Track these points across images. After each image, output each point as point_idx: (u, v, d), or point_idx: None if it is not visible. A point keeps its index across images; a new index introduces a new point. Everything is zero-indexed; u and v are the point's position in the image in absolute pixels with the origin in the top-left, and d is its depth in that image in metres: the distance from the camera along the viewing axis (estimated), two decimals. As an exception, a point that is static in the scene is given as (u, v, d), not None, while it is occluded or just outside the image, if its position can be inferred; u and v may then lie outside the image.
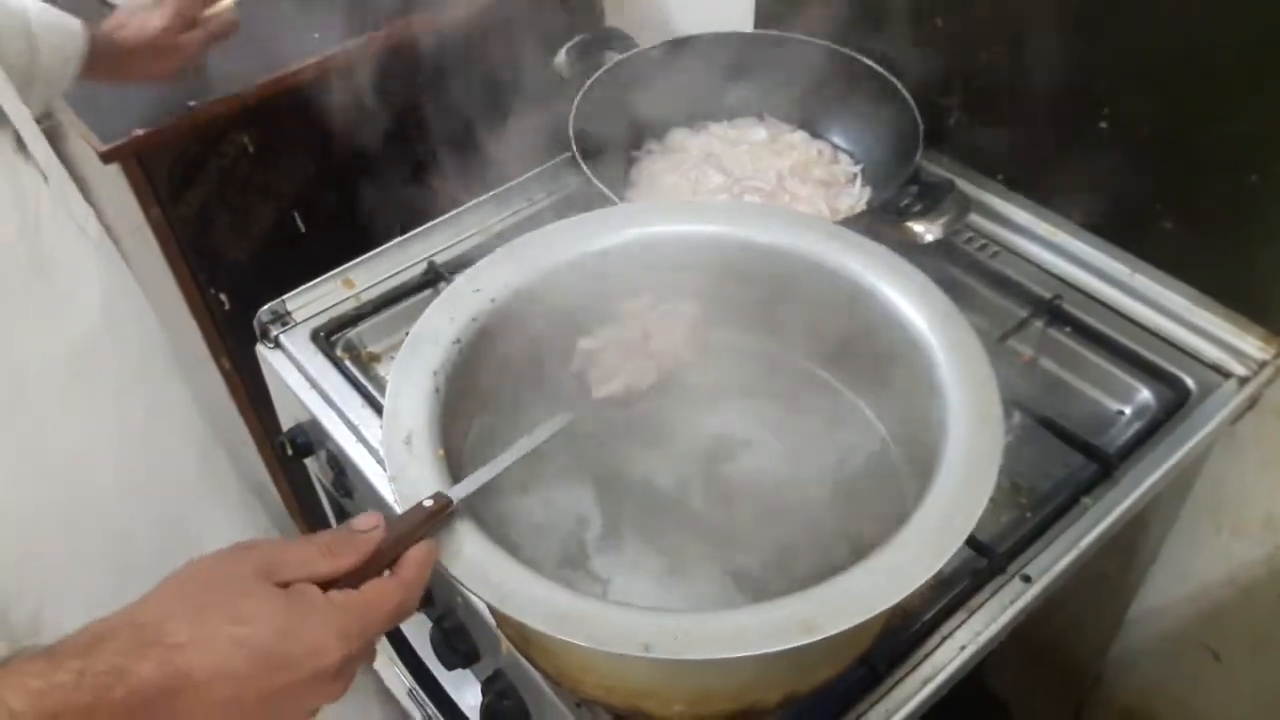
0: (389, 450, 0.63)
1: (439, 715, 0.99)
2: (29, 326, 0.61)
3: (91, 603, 0.68)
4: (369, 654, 0.55)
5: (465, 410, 0.70)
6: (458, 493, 0.60)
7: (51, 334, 0.63)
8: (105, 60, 1.00)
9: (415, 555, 0.57)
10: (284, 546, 0.54)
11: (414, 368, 0.68)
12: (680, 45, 1.12)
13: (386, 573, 0.57)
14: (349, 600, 0.53)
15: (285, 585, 0.53)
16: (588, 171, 0.96)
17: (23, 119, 0.62)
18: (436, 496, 0.60)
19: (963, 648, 0.75)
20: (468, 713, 0.96)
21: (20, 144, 0.61)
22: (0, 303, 0.59)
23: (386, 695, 0.95)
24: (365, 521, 0.56)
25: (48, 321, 0.63)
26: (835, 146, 1.13)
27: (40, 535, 0.64)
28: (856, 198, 1.07)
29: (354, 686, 0.80)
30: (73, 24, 0.98)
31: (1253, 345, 0.93)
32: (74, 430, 0.65)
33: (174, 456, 0.73)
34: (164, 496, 0.74)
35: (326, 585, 0.54)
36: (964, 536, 0.58)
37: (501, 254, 0.76)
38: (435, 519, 0.59)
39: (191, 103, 1.18)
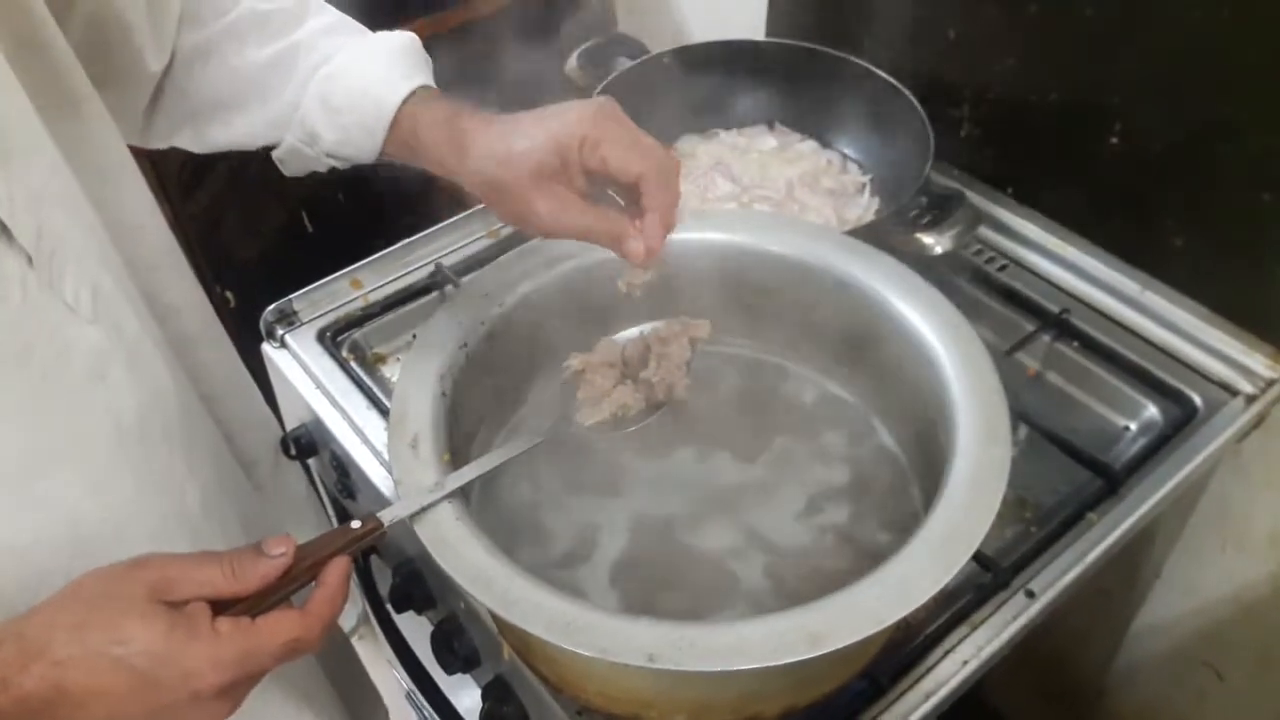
0: (395, 453, 0.63)
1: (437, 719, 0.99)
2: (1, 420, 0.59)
3: None
4: (256, 679, 0.55)
5: (471, 414, 0.70)
6: (390, 515, 0.60)
7: (24, 427, 0.60)
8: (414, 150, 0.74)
9: (325, 587, 0.56)
10: (185, 564, 0.54)
11: (421, 371, 0.68)
12: (691, 52, 1.12)
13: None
14: (236, 631, 0.53)
15: (183, 603, 0.53)
16: (597, 177, 0.96)
17: (10, 199, 0.58)
18: (367, 518, 0.59)
19: (965, 662, 0.75)
20: (466, 717, 0.96)
21: (4, 229, 0.58)
22: None
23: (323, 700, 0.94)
24: (275, 545, 0.56)
25: (20, 414, 0.60)
26: (845, 156, 1.13)
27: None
28: (865, 208, 1.07)
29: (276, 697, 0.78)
30: (386, 96, 0.72)
31: (1260, 363, 0.92)
32: (35, 521, 0.61)
33: (162, 536, 0.69)
34: None
35: (228, 604, 0.54)
36: (972, 550, 0.58)
37: (512, 258, 0.76)
38: (360, 542, 0.58)
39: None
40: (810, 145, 1.14)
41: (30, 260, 0.57)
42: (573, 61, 1.13)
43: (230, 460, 0.83)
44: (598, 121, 0.68)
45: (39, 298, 0.58)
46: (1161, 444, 0.88)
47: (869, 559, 0.69)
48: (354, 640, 1.27)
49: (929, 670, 0.74)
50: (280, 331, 1.00)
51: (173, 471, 0.68)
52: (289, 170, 0.78)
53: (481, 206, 1.13)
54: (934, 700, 0.73)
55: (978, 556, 0.77)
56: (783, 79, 1.13)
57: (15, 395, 0.57)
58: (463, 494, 0.62)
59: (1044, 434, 0.88)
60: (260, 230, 1.34)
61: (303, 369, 0.97)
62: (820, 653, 0.54)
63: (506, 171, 0.67)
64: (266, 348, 1.01)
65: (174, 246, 0.79)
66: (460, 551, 0.59)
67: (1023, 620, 0.77)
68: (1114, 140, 0.94)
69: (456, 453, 0.65)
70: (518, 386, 0.75)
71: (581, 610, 0.56)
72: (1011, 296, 1.01)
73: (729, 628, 0.56)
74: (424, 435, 0.64)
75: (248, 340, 1.09)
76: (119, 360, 0.63)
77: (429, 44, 1.41)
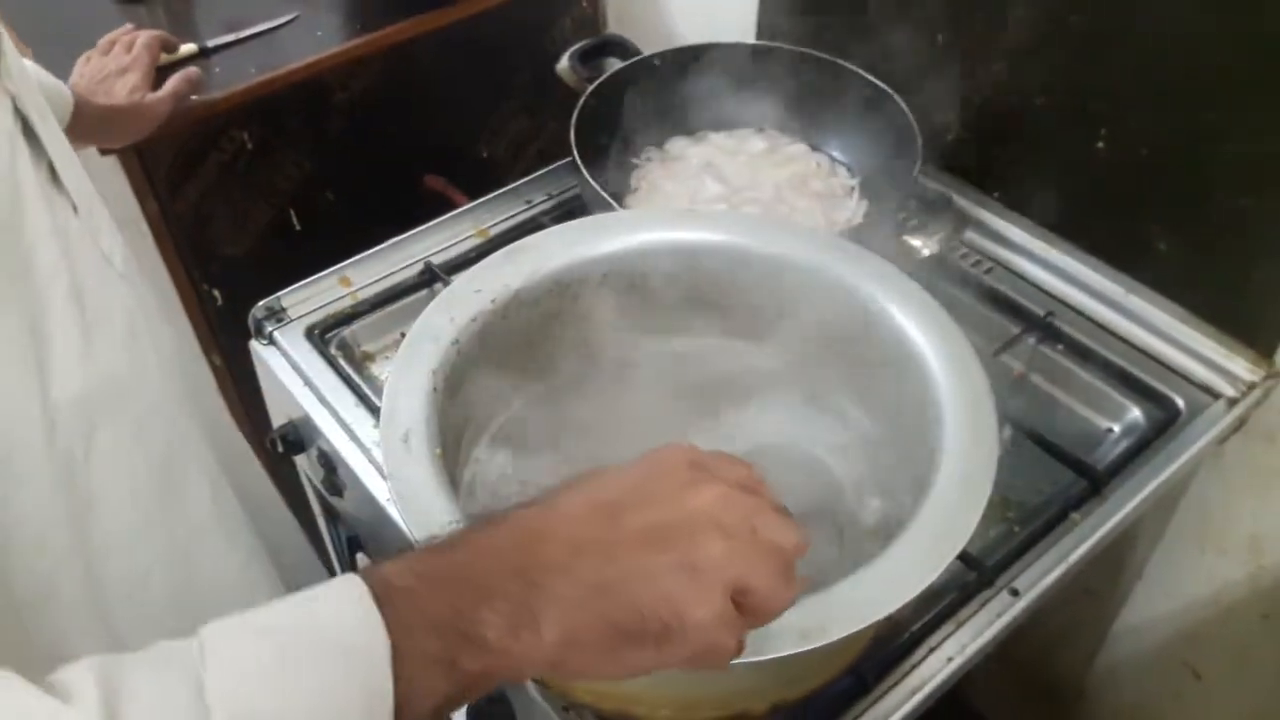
0: (387, 448, 0.63)
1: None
2: (65, 360, 0.62)
3: (107, 642, 0.68)
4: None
5: (464, 410, 0.71)
6: None
7: (83, 368, 0.63)
8: (83, 127, 1.02)
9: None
10: None
11: (413, 367, 0.68)
12: (682, 54, 1.13)
13: None
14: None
15: None
16: (588, 176, 0.97)
17: (58, 150, 0.63)
18: None
19: (950, 660, 0.76)
20: (453, 715, 0.96)
21: (53, 173, 0.62)
22: (42, 334, 0.60)
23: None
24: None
25: (80, 355, 0.63)
26: (833, 159, 1.14)
27: (63, 577, 0.64)
28: (853, 211, 1.08)
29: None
30: (64, 90, 1.00)
31: (1242, 367, 0.93)
32: (100, 470, 0.65)
33: (189, 494, 0.74)
34: (179, 535, 0.74)
35: None
36: (959, 548, 0.59)
37: (502, 256, 0.76)
38: None
39: (193, 97, 1.19)
40: (799, 148, 1.15)
41: (75, 209, 0.61)
42: (564, 62, 1.13)
43: (231, 423, 0.85)
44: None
45: (85, 245, 0.62)
46: (1144, 446, 0.89)
47: (854, 555, 0.70)
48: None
49: (914, 667, 0.75)
50: (268, 328, 1.00)
51: (191, 436, 0.72)
52: None
53: (472, 205, 1.14)
54: (919, 697, 0.74)
55: (962, 555, 0.77)
56: (773, 82, 1.14)
57: (74, 344, 0.60)
58: (452, 487, 0.63)
59: (1028, 435, 0.89)
60: (248, 228, 1.34)
61: (291, 366, 0.97)
62: (808, 648, 0.55)
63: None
64: (254, 344, 1.00)
65: None
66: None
67: (1007, 618, 0.77)
68: (1100, 145, 0.95)
69: (448, 448, 0.65)
70: (511, 383, 0.75)
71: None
72: (997, 299, 1.02)
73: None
74: (416, 430, 0.64)
75: (235, 339, 1.09)
76: (141, 316, 0.67)
77: (422, 42, 1.41)
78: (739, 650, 0.46)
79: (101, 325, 0.65)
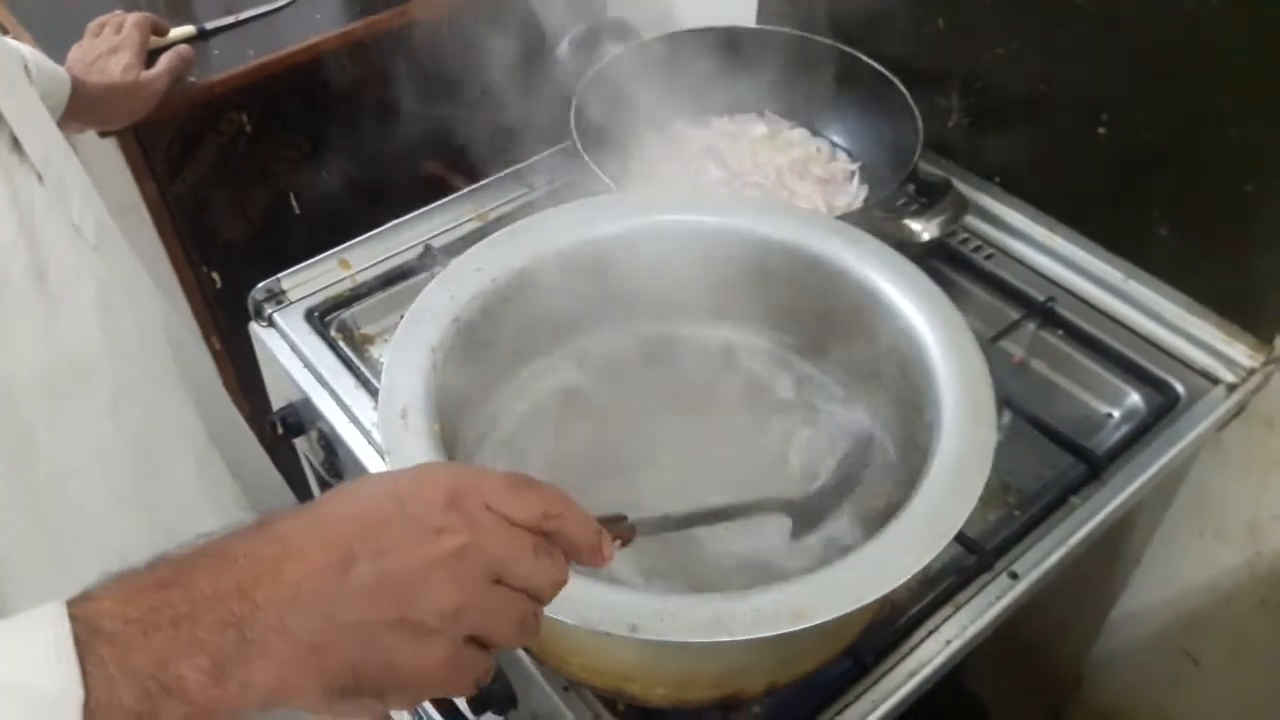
0: (385, 424, 0.63)
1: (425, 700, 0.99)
2: (23, 335, 0.60)
3: None
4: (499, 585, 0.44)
5: (463, 387, 0.70)
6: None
7: (45, 343, 0.61)
8: (81, 107, 1.03)
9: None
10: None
11: (412, 344, 0.68)
12: (682, 38, 1.12)
13: None
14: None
15: None
16: (588, 160, 0.96)
17: (19, 118, 0.62)
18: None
19: (949, 642, 0.76)
20: (454, 697, 0.96)
21: (15, 144, 0.61)
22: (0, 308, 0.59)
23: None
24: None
25: (42, 330, 0.61)
26: (834, 144, 1.13)
27: (24, 558, 0.63)
28: (853, 195, 1.08)
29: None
30: (61, 71, 1.01)
31: (1242, 353, 0.93)
32: (66, 446, 0.63)
33: (172, 467, 0.72)
34: (160, 510, 0.72)
35: None
36: (954, 531, 0.59)
37: (504, 235, 0.76)
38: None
39: (191, 79, 1.18)
40: (800, 133, 1.14)
41: (40, 179, 0.59)
42: (563, 46, 1.13)
43: (225, 398, 0.84)
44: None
45: (51, 216, 0.61)
46: (1144, 431, 0.89)
47: (854, 537, 0.70)
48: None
49: (913, 650, 0.75)
50: (268, 310, 1.00)
51: (176, 408, 0.70)
52: None
53: (471, 188, 1.13)
54: (917, 679, 0.74)
55: (962, 539, 0.78)
56: (773, 66, 1.13)
57: (35, 319, 0.59)
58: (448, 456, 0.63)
59: (1028, 420, 0.89)
60: (246, 211, 1.34)
61: (290, 348, 0.97)
62: (801, 627, 0.55)
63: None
64: (254, 326, 1.00)
65: None
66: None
67: (1006, 601, 0.77)
68: (1101, 130, 0.95)
69: (447, 425, 0.65)
70: (511, 360, 0.75)
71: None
72: (997, 284, 1.02)
73: (712, 600, 0.56)
74: (414, 406, 0.64)
75: (234, 322, 1.09)
76: (119, 288, 0.66)
77: (420, 25, 1.41)
78: (478, 682, 0.45)
79: (69, 299, 0.63)
